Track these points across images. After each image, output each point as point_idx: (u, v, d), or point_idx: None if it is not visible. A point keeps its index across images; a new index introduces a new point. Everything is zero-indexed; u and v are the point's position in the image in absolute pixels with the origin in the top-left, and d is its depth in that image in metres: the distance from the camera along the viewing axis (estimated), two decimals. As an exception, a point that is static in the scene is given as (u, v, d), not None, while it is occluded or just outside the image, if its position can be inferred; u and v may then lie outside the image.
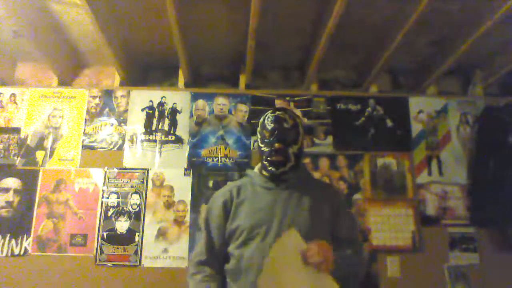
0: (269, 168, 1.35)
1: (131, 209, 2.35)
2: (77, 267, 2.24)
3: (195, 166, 2.44)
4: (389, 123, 2.59)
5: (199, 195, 2.38)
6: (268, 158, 1.35)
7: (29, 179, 2.37)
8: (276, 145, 1.33)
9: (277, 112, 1.40)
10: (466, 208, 2.46)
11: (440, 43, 2.44)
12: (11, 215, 2.32)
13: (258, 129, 1.43)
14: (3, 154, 2.42)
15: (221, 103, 2.56)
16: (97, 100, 2.53)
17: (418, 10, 1.98)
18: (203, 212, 2.29)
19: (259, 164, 1.45)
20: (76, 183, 2.38)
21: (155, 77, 2.75)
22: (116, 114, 2.52)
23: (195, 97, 2.57)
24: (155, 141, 2.48)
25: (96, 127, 2.49)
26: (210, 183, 2.41)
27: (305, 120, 2.56)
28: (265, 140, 1.37)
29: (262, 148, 1.38)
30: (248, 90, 2.62)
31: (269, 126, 1.37)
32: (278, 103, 2.57)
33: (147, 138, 2.49)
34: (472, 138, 2.55)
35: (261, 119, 1.43)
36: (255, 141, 2.49)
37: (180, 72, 2.61)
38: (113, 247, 2.28)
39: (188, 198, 2.37)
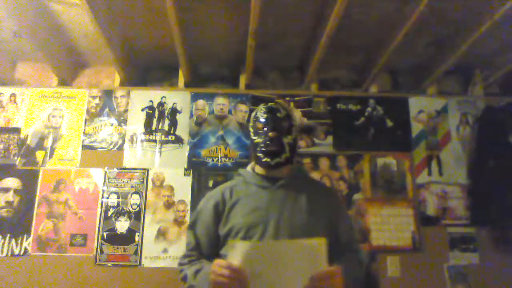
0: (264, 160, 1.31)
1: (131, 209, 2.35)
2: (77, 267, 2.24)
3: (195, 166, 2.44)
4: (389, 123, 2.59)
5: (199, 195, 2.38)
6: (263, 149, 1.31)
7: (29, 179, 2.37)
8: (270, 134, 1.31)
9: (270, 103, 1.40)
10: (466, 208, 2.46)
11: (440, 43, 2.45)
12: (11, 215, 2.32)
13: (250, 124, 1.41)
14: (3, 154, 2.42)
15: (221, 103, 2.56)
16: (97, 100, 2.53)
17: (418, 10, 1.98)
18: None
19: (252, 163, 1.43)
20: (76, 183, 2.38)
21: (155, 77, 2.75)
22: (116, 114, 2.52)
23: (195, 97, 2.57)
24: (155, 141, 2.48)
25: (96, 127, 2.49)
26: (210, 183, 2.41)
27: (305, 120, 2.56)
28: (258, 131, 1.34)
29: (256, 141, 1.34)
30: (248, 90, 2.62)
31: (262, 117, 1.35)
32: (278, 103, 2.56)
33: (147, 138, 2.49)
34: (472, 138, 2.55)
35: (253, 113, 1.41)
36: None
37: (180, 72, 2.61)
38: (113, 247, 2.28)
39: (188, 198, 2.37)
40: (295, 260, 1.10)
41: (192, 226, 1.38)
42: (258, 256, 1.11)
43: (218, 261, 1.14)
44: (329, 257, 1.20)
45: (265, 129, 1.32)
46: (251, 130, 1.39)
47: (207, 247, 1.32)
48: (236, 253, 1.12)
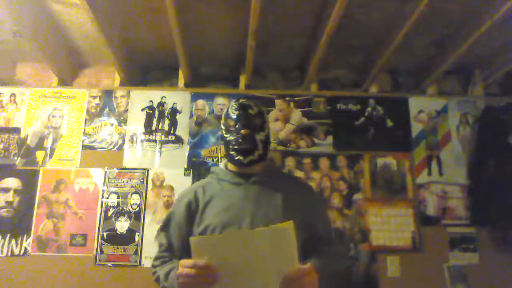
0: (237, 158, 1.28)
1: (131, 209, 2.35)
2: (77, 267, 2.24)
3: (195, 166, 2.44)
4: (389, 123, 2.59)
5: (199, 195, 2.38)
6: (236, 147, 1.28)
7: (29, 179, 2.37)
8: (243, 131, 1.28)
9: (241, 100, 1.36)
10: (466, 208, 2.46)
11: (440, 43, 2.45)
12: (11, 215, 2.32)
13: (222, 121, 1.37)
14: (3, 154, 2.42)
15: (221, 103, 2.56)
16: (97, 100, 2.53)
17: (418, 10, 1.98)
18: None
19: (224, 160, 1.40)
20: (76, 183, 2.38)
21: (155, 77, 2.75)
22: (116, 114, 2.52)
23: (195, 97, 2.57)
24: (155, 141, 2.48)
25: (96, 127, 2.49)
26: (210, 183, 2.41)
27: (305, 120, 2.56)
28: (230, 129, 1.32)
29: (228, 138, 1.32)
30: (248, 90, 2.62)
31: (234, 114, 1.32)
32: (278, 103, 2.57)
33: (147, 138, 2.49)
34: (472, 138, 2.55)
35: (224, 111, 1.38)
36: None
37: (180, 72, 2.62)
38: (113, 247, 2.28)
39: (188, 198, 2.37)
40: (264, 248, 1.06)
41: (164, 227, 1.34)
42: (224, 249, 1.07)
43: (183, 262, 1.09)
44: (307, 252, 1.20)
45: (237, 126, 1.30)
46: (223, 127, 1.36)
47: (179, 248, 1.28)
48: (200, 250, 1.07)
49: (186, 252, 1.22)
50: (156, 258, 1.33)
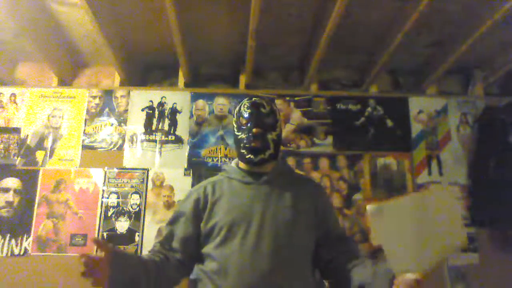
0: (247, 157, 1.28)
1: (131, 209, 2.35)
2: (77, 267, 2.22)
3: (195, 166, 2.44)
4: (389, 123, 2.59)
5: (199, 195, 2.38)
6: (246, 145, 1.28)
7: (29, 179, 2.37)
8: (254, 130, 1.27)
9: (254, 99, 1.35)
10: (466, 208, 2.46)
11: (440, 43, 2.45)
12: (11, 215, 2.32)
13: (234, 118, 1.37)
14: (3, 154, 2.42)
15: (221, 103, 2.56)
16: (97, 100, 2.53)
17: (418, 10, 1.98)
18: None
19: (236, 159, 1.40)
20: (76, 183, 2.38)
21: (155, 77, 2.75)
22: (116, 114, 2.52)
23: (195, 97, 2.57)
24: (155, 141, 2.48)
25: (96, 127, 2.49)
26: (210, 183, 2.41)
27: (305, 120, 2.56)
28: (242, 127, 1.31)
29: (239, 136, 1.31)
30: (248, 90, 2.62)
31: (246, 112, 1.31)
32: (278, 103, 2.57)
33: (147, 138, 2.49)
34: (472, 138, 2.55)
35: (237, 108, 1.37)
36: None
37: (180, 72, 2.62)
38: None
39: (188, 198, 2.37)
40: (432, 211, 1.04)
41: (170, 222, 1.33)
42: (400, 214, 1.08)
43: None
44: (322, 251, 1.26)
45: (249, 125, 1.29)
46: (235, 125, 1.35)
47: (181, 242, 1.27)
48: (377, 217, 1.10)
49: (187, 246, 1.26)
50: (152, 247, 1.31)
